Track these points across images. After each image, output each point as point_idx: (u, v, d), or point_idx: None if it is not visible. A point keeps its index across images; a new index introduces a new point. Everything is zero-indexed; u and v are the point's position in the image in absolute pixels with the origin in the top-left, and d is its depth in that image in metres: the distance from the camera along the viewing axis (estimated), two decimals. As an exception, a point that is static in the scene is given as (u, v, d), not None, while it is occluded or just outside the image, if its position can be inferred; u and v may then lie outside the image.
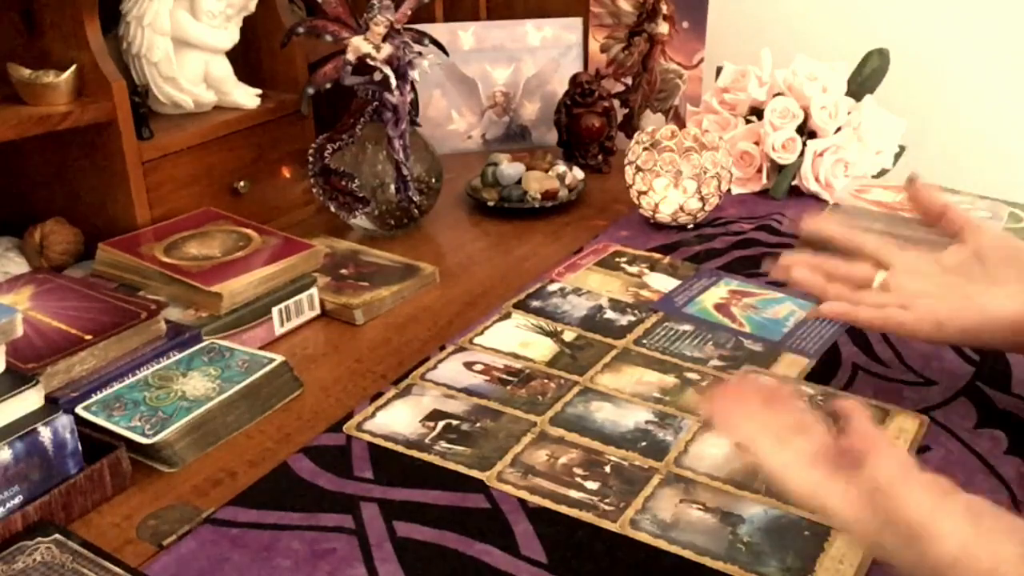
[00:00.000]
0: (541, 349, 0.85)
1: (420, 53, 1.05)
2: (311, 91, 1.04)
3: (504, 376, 0.80)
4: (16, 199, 1.05)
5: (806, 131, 1.19)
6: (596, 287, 0.96)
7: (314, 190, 1.08)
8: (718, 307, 0.92)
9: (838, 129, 1.19)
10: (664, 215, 1.09)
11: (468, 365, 0.82)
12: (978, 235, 0.72)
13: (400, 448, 0.71)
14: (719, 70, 1.27)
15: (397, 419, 0.75)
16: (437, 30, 1.30)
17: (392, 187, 1.06)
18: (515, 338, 0.86)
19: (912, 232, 1.00)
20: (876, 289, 0.73)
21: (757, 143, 1.20)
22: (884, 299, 0.72)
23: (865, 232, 0.78)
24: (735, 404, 0.57)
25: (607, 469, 0.68)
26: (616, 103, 1.34)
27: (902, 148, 1.24)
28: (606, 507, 0.65)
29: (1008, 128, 1.49)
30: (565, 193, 1.18)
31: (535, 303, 0.93)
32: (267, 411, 0.77)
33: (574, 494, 0.66)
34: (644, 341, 0.86)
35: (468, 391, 0.78)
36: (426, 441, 0.72)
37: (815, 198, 1.19)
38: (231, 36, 1.11)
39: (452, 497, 0.66)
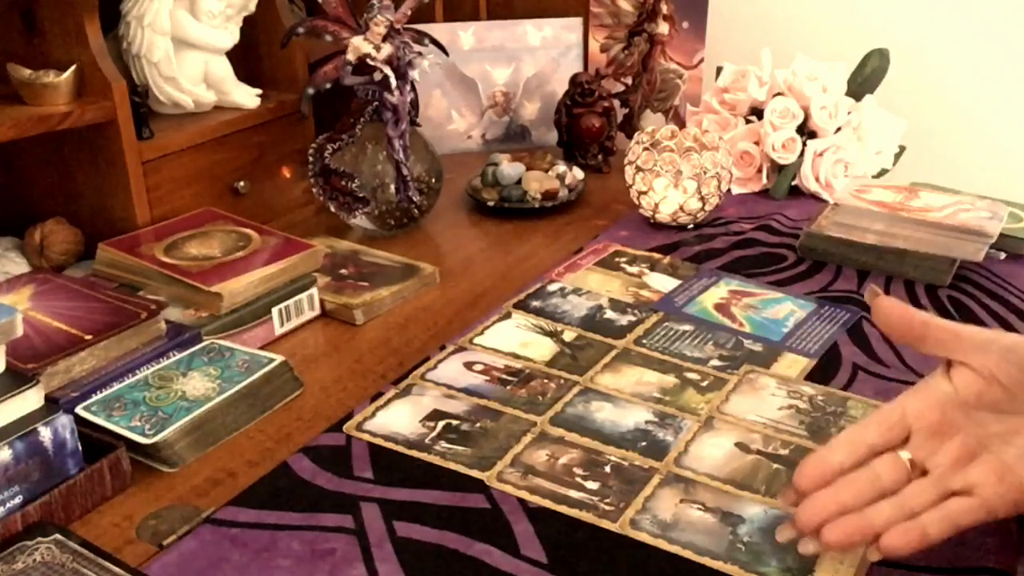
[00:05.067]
0: (541, 349, 0.85)
1: (420, 53, 1.05)
2: (311, 91, 1.04)
3: (504, 376, 0.80)
4: (16, 199, 1.05)
5: (806, 131, 1.19)
6: (596, 287, 0.96)
7: (314, 190, 1.08)
8: (718, 307, 0.92)
9: (838, 129, 1.19)
10: (664, 215, 1.09)
11: (468, 365, 0.82)
12: (982, 354, 0.57)
13: (400, 448, 0.71)
14: (719, 70, 1.27)
15: (397, 419, 0.75)
16: (437, 30, 1.30)
17: (392, 187, 1.06)
18: (515, 338, 0.86)
19: (912, 232, 1.00)
20: (913, 476, 0.58)
21: (757, 143, 1.20)
22: (932, 492, 0.57)
23: None
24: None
25: (607, 469, 0.68)
26: (616, 103, 1.34)
27: (902, 148, 1.24)
28: (606, 507, 0.65)
29: (1008, 128, 1.49)
30: (565, 193, 1.18)
31: (535, 303, 0.93)
32: (267, 411, 0.77)
33: (574, 494, 0.66)
34: (644, 341, 0.86)
35: (468, 391, 0.78)
36: (426, 441, 0.72)
37: (815, 198, 1.19)
38: (231, 36, 1.11)
39: (452, 497, 0.66)
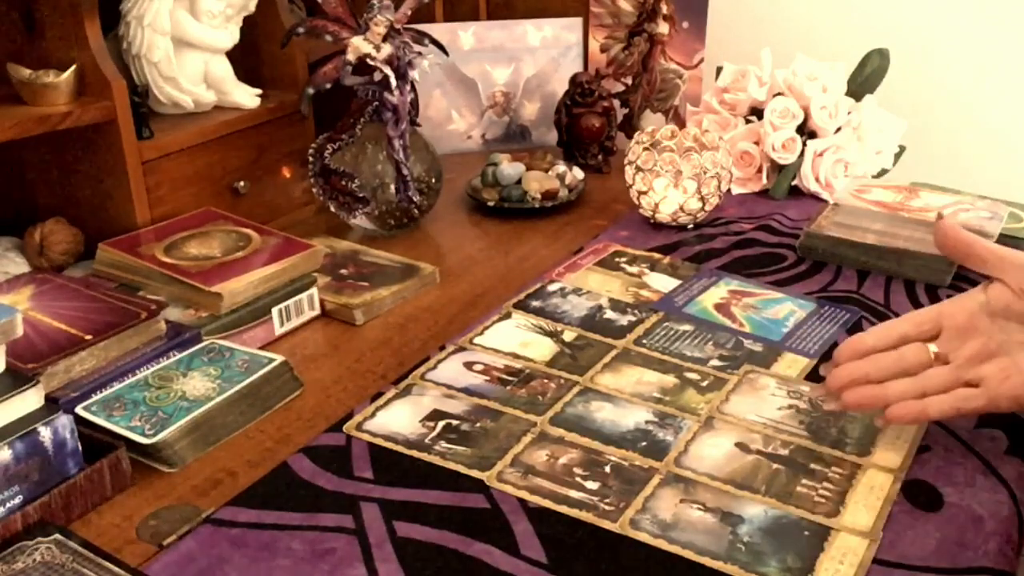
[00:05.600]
0: (541, 349, 0.85)
1: (420, 53, 1.05)
2: (311, 91, 1.04)
3: (504, 376, 0.80)
4: (16, 199, 1.05)
5: (806, 131, 1.19)
6: (596, 287, 0.96)
7: (314, 190, 1.08)
8: (718, 307, 0.92)
9: (838, 129, 1.19)
10: (664, 215, 1.09)
11: (468, 365, 0.82)
12: (1017, 273, 0.65)
13: (400, 448, 0.71)
14: (719, 70, 1.27)
15: (397, 419, 0.75)
16: (437, 30, 1.30)
17: (392, 187, 1.06)
18: (515, 338, 0.86)
19: (912, 232, 1.00)
20: (935, 365, 0.67)
21: (757, 143, 1.20)
22: (947, 378, 0.66)
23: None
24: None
25: (607, 469, 0.68)
26: (616, 103, 1.34)
27: (902, 148, 1.24)
28: (606, 507, 0.65)
29: (1008, 128, 1.49)
30: (565, 193, 1.18)
31: (535, 303, 0.93)
32: (267, 411, 0.77)
33: (574, 494, 0.66)
34: (644, 341, 0.86)
35: (468, 391, 0.78)
36: (426, 441, 0.72)
37: (815, 198, 1.19)
38: (231, 36, 1.11)
39: (452, 497, 0.66)
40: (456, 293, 0.98)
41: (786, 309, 0.92)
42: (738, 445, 0.71)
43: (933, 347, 0.67)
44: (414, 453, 0.70)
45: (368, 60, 1.01)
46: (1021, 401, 0.64)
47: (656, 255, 1.04)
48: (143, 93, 1.05)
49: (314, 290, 0.93)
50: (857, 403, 0.68)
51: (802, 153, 1.18)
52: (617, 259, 1.03)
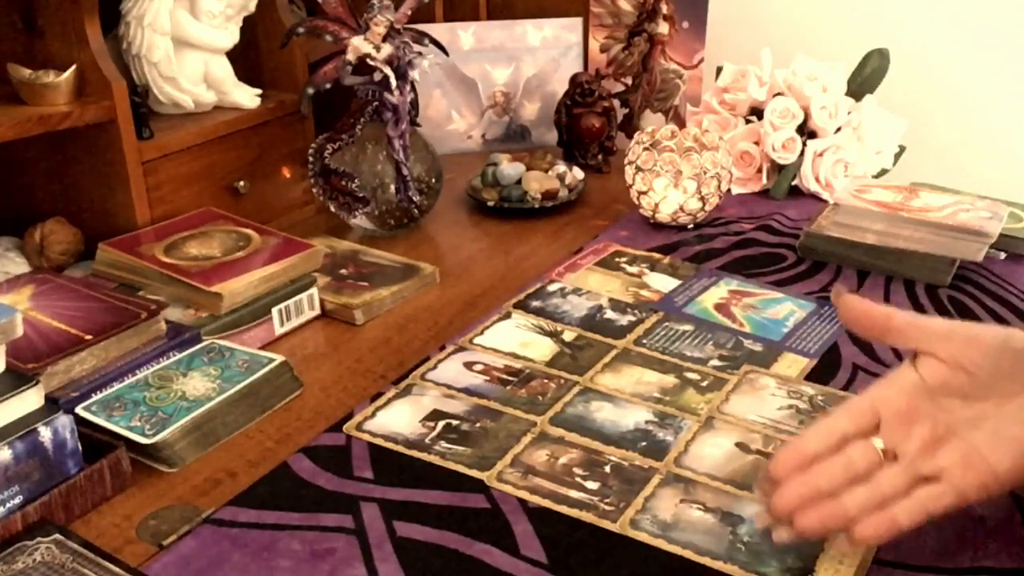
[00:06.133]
0: (541, 349, 0.85)
1: (420, 53, 1.05)
2: (311, 91, 1.04)
3: (504, 376, 0.80)
4: (16, 199, 1.05)
5: (806, 131, 1.19)
6: (596, 287, 0.96)
7: (314, 190, 1.08)
8: (718, 307, 0.92)
9: (838, 129, 1.19)
10: (664, 215, 1.09)
11: (468, 365, 0.82)
12: (946, 343, 0.58)
13: (400, 448, 0.71)
14: (719, 70, 1.27)
15: (397, 419, 0.75)
16: (437, 30, 1.30)
17: (392, 187, 1.06)
18: (515, 338, 0.86)
19: (912, 232, 1.00)
20: (886, 462, 0.58)
21: (757, 143, 1.20)
22: (903, 477, 0.57)
23: None
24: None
25: (607, 469, 0.68)
26: (616, 103, 1.34)
27: (902, 148, 1.24)
28: (606, 507, 0.65)
29: (1008, 128, 1.49)
30: (565, 193, 1.18)
31: (535, 303, 0.93)
32: (267, 411, 0.77)
33: (574, 494, 0.66)
34: (644, 341, 0.86)
35: (468, 391, 0.78)
36: (426, 441, 0.72)
37: (815, 198, 1.19)
38: (231, 36, 1.11)
39: (452, 497, 0.66)
40: (456, 293, 0.98)
41: (786, 309, 0.92)
42: (738, 445, 0.71)
43: (879, 441, 0.59)
44: (414, 453, 0.70)
45: (368, 60, 1.01)
46: (989, 489, 0.56)
47: (656, 255, 1.04)
48: (143, 93, 1.05)
49: (314, 290, 0.93)
50: (817, 527, 0.57)
51: (802, 153, 1.18)
52: (617, 259, 1.03)
